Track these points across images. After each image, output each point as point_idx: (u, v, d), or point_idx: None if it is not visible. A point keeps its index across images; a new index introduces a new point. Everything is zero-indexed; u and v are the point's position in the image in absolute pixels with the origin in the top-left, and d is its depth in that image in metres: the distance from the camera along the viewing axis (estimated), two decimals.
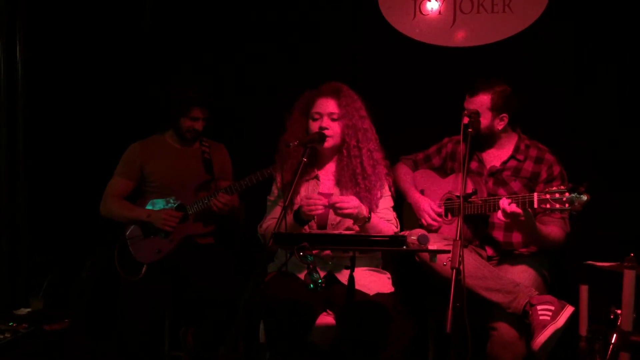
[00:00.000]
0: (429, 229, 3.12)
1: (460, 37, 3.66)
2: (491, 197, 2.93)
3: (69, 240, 3.92)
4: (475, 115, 2.94)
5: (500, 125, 3.09)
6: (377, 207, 2.99)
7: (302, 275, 2.51)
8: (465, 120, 2.88)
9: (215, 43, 3.99)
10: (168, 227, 3.31)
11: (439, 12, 3.69)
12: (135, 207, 3.43)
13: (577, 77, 3.52)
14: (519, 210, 2.72)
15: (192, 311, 3.28)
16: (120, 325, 3.20)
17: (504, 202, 2.74)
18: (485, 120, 3.05)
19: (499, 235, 3.07)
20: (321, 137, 2.92)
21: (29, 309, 3.45)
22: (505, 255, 3.07)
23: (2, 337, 3.05)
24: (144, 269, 3.25)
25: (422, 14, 3.71)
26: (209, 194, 3.33)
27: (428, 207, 3.13)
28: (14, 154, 3.91)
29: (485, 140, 3.12)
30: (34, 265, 3.89)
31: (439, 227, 3.13)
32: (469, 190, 2.96)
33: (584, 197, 2.57)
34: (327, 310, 2.83)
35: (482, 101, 3.05)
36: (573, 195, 2.58)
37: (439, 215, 3.13)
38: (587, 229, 3.06)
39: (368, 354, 2.66)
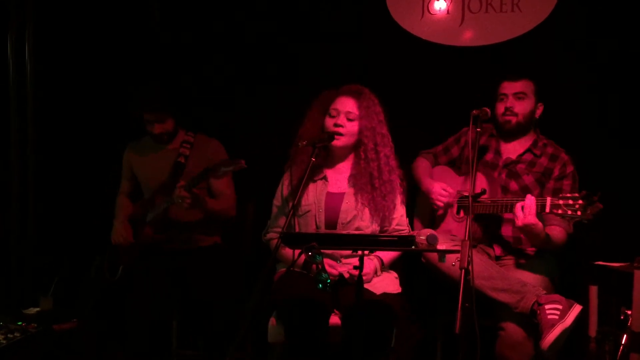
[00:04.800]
0: (441, 207, 3.13)
1: (468, 37, 3.64)
2: (504, 198, 2.92)
3: (77, 240, 3.94)
4: (484, 113, 2.93)
5: (538, 114, 3.14)
6: (390, 222, 3.01)
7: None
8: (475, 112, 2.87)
9: (217, 41, 3.99)
10: (114, 240, 3.45)
11: (447, 12, 3.67)
12: (120, 210, 3.55)
13: (588, 75, 3.50)
14: (534, 221, 2.71)
15: (200, 311, 3.28)
16: (127, 325, 3.20)
17: (518, 207, 2.73)
18: (528, 105, 3.11)
19: (508, 231, 3.06)
20: (330, 137, 2.93)
21: (38, 309, 3.46)
22: (514, 254, 3.06)
23: (11, 336, 3.05)
24: (119, 270, 3.37)
25: (430, 13, 3.70)
26: (166, 199, 3.28)
27: (438, 188, 3.14)
28: (24, 155, 3.95)
29: (515, 131, 3.14)
30: (42, 265, 3.92)
31: (451, 205, 3.14)
32: (478, 189, 2.95)
33: (597, 207, 2.56)
34: (335, 310, 2.83)
35: (527, 85, 3.10)
36: (586, 203, 2.56)
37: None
38: (597, 229, 3.04)
39: (375, 354, 2.65)
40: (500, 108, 3.13)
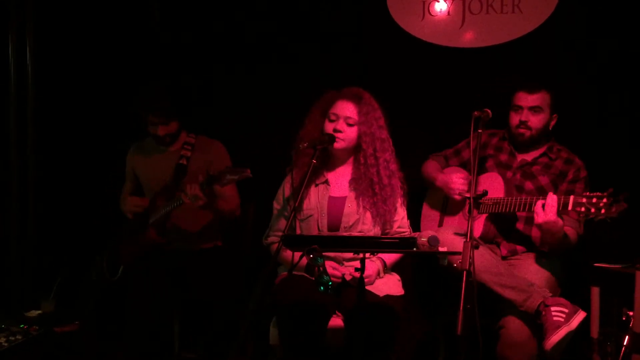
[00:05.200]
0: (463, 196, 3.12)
1: (469, 38, 3.64)
2: (522, 196, 2.91)
3: (78, 241, 3.94)
4: (485, 114, 2.92)
5: (551, 125, 3.15)
6: (391, 225, 3.01)
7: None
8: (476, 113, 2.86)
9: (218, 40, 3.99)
10: (130, 214, 3.46)
11: (448, 13, 3.67)
12: (130, 198, 3.53)
13: (588, 75, 3.50)
14: (554, 219, 2.70)
15: (202, 313, 3.28)
16: (128, 327, 3.20)
17: (539, 208, 2.72)
18: (543, 119, 3.11)
19: (519, 226, 3.07)
20: (331, 138, 2.92)
21: (39, 311, 3.46)
22: (520, 254, 3.06)
23: (13, 339, 3.06)
24: (120, 270, 3.35)
25: (431, 14, 3.69)
26: (167, 203, 3.26)
27: (457, 177, 3.12)
28: (23, 156, 3.95)
29: (528, 144, 3.14)
30: (43, 265, 3.91)
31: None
32: (492, 189, 2.97)
33: (622, 205, 2.56)
34: (337, 312, 2.83)
35: (543, 97, 3.09)
36: (611, 201, 2.55)
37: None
38: (599, 230, 3.05)
39: (377, 356, 2.65)
40: (515, 119, 3.12)
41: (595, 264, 2.84)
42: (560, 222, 2.75)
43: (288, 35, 3.89)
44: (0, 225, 3.95)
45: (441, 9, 3.68)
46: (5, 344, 3.01)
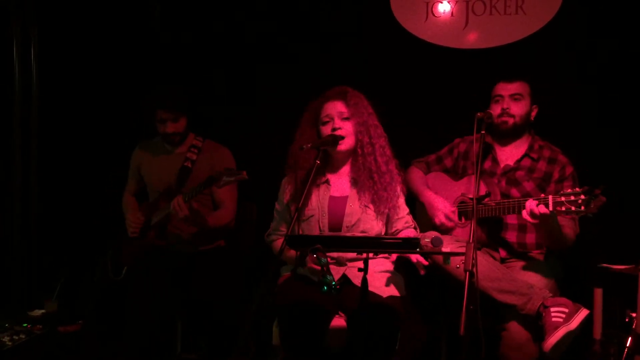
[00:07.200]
0: (441, 228, 3.11)
1: (472, 39, 3.64)
2: (506, 200, 2.92)
3: (79, 241, 3.94)
4: (488, 115, 2.93)
5: (532, 117, 3.15)
6: (397, 214, 3.01)
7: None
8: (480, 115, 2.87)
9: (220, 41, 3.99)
10: (130, 232, 3.42)
11: (451, 14, 3.67)
12: (128, 207, 3.54)
13: (588, 74, 3.51)
14: (547, 211, 2.68)
15: (203, 313, 3.28)
16: (128, 327, 3.20)
17: (532, 204, 2.71)
18: (525, 106, 3.11)
19: (512, 236, 3.06)
20: (334, 139, 2.91)
21: (43, 311, 3.46)
22: (519, 257, 3.06)
23: (17, 338, 3.07)
24: (124, 270, 3.35)
25: (434, 16, 3.69)
26: (168, 206, 3.25)
27: (442, 205, 3.12)
28: (27, 156, 3.95)
29: (511, 133, 3.14)
30: (45, 266, 3.91)
31: (453, 228, 3.11)
32: (482, 192, 2.95)
33: (601, 200, 2.56)
34: (339, 312, 2.83)
35: (523, 86, 3.12)
36: (589, 197, 2.56)
37: (452, 213, 3.13)
38: (601, 231, 3.05)
39: (379, 356, 2.65)
40: (497, 109, 3.12)
41: (599, 265, 2.83)
42: (549, 213, 2.71)
43: (288, 35, 3.89)
44: (3, 225, 3.95)
45: (445, 10, 3.68)
46: (9, 343, 3.01)
